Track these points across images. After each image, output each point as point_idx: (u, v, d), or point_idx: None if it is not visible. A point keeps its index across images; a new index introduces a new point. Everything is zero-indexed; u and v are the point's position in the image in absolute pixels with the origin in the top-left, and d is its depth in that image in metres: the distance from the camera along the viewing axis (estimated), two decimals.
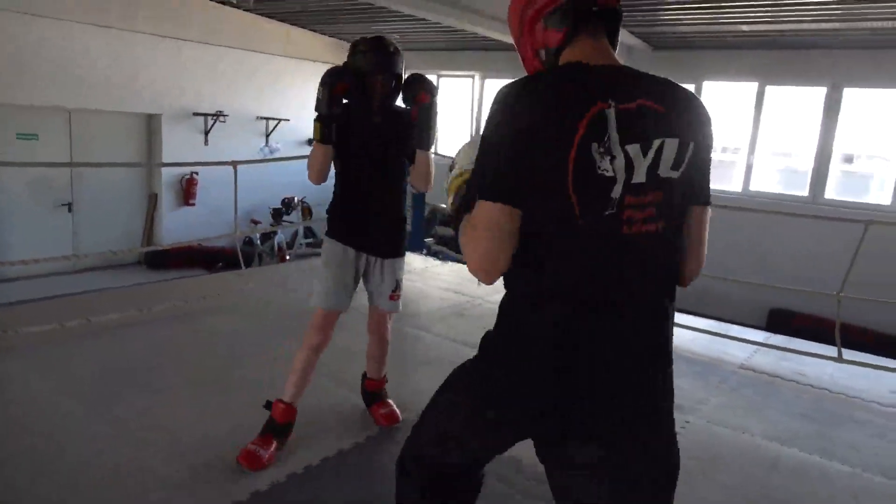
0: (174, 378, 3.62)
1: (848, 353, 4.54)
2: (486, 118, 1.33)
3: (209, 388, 3.51)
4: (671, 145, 1.29)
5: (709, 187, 1.43)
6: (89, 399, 3.29)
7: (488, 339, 1.47)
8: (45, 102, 8.36)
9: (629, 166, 1.25)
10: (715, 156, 9.66)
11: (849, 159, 9.05)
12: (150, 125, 9.79)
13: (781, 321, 8.44)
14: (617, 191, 1.25)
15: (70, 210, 9.10)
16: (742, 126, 9.13)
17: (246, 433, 2.85)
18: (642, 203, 1.27)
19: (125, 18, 8.71)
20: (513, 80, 1.32)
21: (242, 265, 5.64)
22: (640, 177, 1.26)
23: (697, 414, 3.67)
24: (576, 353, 1.29)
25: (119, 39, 8.78)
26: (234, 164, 5.19)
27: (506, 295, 1.43)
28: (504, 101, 1.30)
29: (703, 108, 1.39)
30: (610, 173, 1.24)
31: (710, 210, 1.45)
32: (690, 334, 5.01)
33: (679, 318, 5.48)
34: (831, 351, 4.56)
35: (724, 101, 9.40)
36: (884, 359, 4.67)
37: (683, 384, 4.10)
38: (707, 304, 8.51)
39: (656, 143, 1.27)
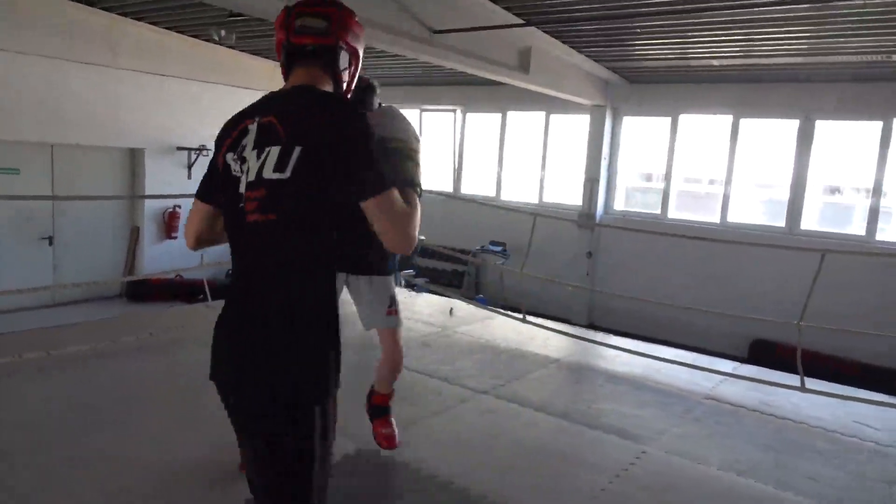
0: (139, 411, 3.59)
1: (812, 383, 4.53)
2: None
3: (174, 419, 3.48)
4: (274, 152, 1.57)
5: (369, 182, 1.57)
6: (45, 432, 3.26)
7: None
8: (27, 137, 8.43)
9: (248, 169, 1.60)
10: (697, 188, 9.86)
11: (834, 191, 9.14)
12: (134, 159, 9.86)
13: (764, 352, 8.42)
14: (241, 187, 1.61)
15: (51, 244, 9.10)
16: (719, 158, 9.24)
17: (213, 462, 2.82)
18: (252, 197, 1.59)
19: (108, 55, 8.83)
20: None
21: (209, 297, 5.63)
22: (251, 177, 1.59)
23: (655, 444, 3.64)
24: (228, 309, 1.70)
25: (102, 75, 8.89)
26: None
27: None
28: None
29: (329, 117, 1.60)
30: (238, 174, 1.62)
31: (387, 196, 1.59)
32: (658, 364, 5.00)
33: (649, 348, 5.50)
34: (795, 380, 4.55)
35: (700, 133, 9.53)
36: (847, 388, 4.66)
37: (646, 413, 4.09)
38: (689, 336, 8.51)
39: (267, 150, 1.58)
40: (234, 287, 1.70)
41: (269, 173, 1.57)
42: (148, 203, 9.86)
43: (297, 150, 1.55)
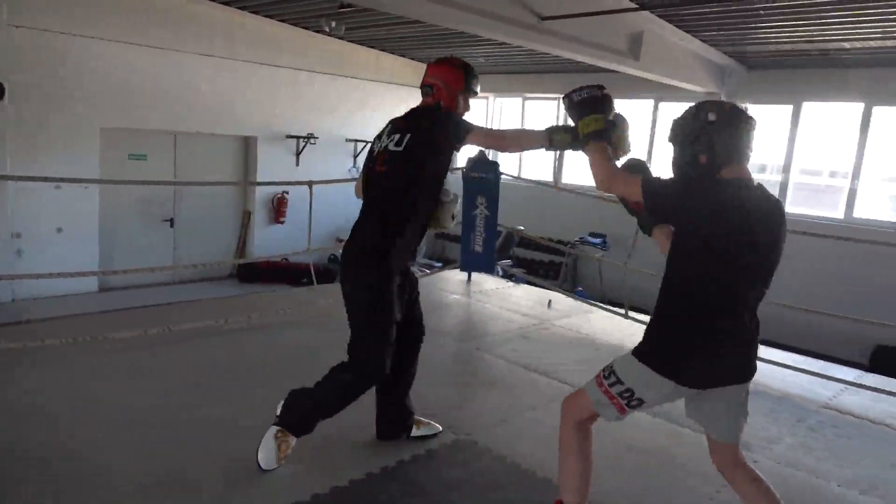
0: (245, 384, 3.78)
1: None
2: None
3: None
4: (394, 136, 2.79)
5: (453, 132, 2.80)
6: (160, 400, 3.50)
7: None
8: (154, 126, 9.06)
9: (382, 145, 2.83)
10: (814, 180, 9.15)
11: None
12: (247, 146, 10.37)
13: (888, 359, 7.74)
14: (374, 154, 2.87)
15: (172, 225, 9.76)
16: (843, 149, 8.53)
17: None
18: (380, 160, 2.82)
19: (226, 47, 9.33)
20: None
21: (315, 281, 5.83)
22: (381, 149, 2.83)
23: (767, 453, 3.42)
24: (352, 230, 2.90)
25: (220, 67, 9.40)
26: (310, 183, 5.41)
27: None
28: None
29: (427, 118, 2.84)
30: (375, 150, 2.87)
31: (475, 132, 2.84)
32: (768, 367, 4.68)
33: (762, 350, 5.16)
34: None
35: (821, 122, 8.84)
36: None
37: (757, 421, 3.84)
38: (806, 338, 7.96)
39: (393, 135, 2.80)
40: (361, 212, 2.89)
41: (392, 146, 2.78)
42: (259, 188, 10.35)
43: (407, 135, 2.77)
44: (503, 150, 3.23)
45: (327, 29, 8.85)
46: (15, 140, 7.61)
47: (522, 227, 7.86)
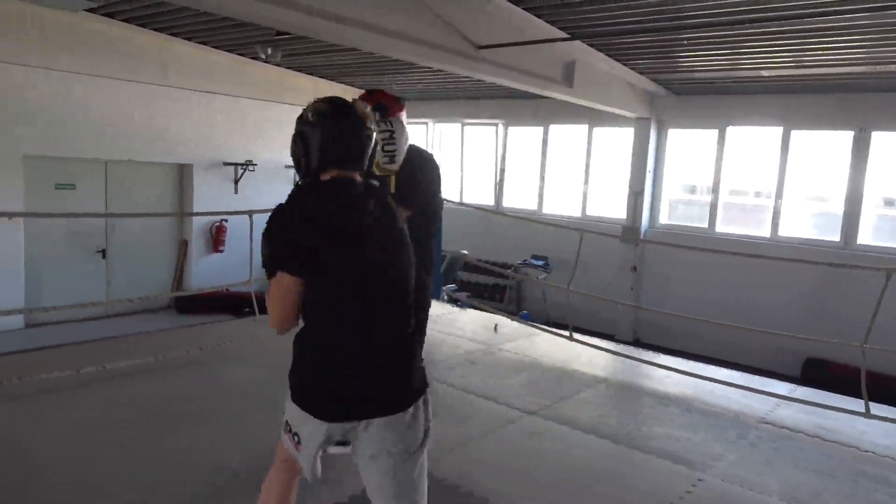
0: (186, 423, 3.64)
1: (877, 408, 4.33)
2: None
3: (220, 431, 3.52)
4: None
5: None
6: (94, 442, 3.33)
7: None
8: (83, 154, 8.73)
9: None
10: (743, 200, 9.59)
11: (890, 203, 8.82)
12: (182, 174, 10.11)
13: (817, 371, 8.13)
14: None
15: (104, 256, 9.37)
16: (767, 170, 9.00)
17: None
18: None
19: (158, 74, 9.12)
20: None
21: (257, 311, 5.70)
22: None
23: (711, 471, 3.52)
24: None
25: (153, 94, 9.17)
26: (251, 213, 5.33)
27: None
28: None
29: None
30: None
31: None
32: (711, 386, 4.85)
33: (699, 367, 5.35)
34: (859, 405, 4.36)
35: (746, 145, 9.31)
36: None
37: (698, 438, 3.97)
38: (737, 353, 8.28)
39: None
40: None
41: None
42: (196, 217, 10.08)
43: None
44: None
45: (263, 56, 8.75)
46: None
47: (466, 251, 7.92)
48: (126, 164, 9.29)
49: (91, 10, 7.44)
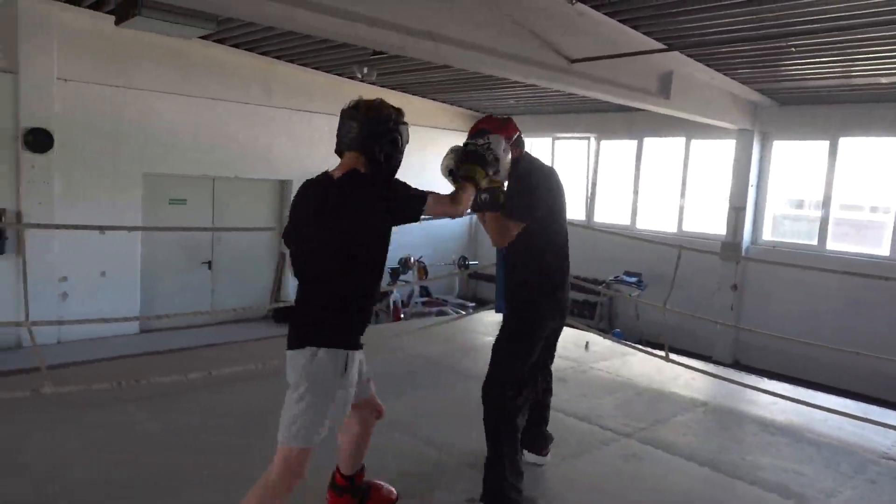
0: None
1: None
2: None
3: None
4: None
5: None
6: (196, 449, 3.51)
7: None
8: (193, 172, 9.33)
9: None
10: (859, 216, 8.95)
11: None
12: (283, 190, 10.57)
13: None
14: None
15: (210, 268, 9.94)
16: (886, 184, 8.36)
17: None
18: None
19: (262, 95, 9.64)
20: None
21: None
22: None
23: None
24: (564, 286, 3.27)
25: (257, 114, 9.69)
26: None
27: None
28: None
29: None
30: None
31: None
32: (822, 414, 4.53)
33: (808, 394, 5.01)
34: None
35: (859, 156, 8.69)
36: None
37: (809, 470, 3.71)
38: (849, 380, 7.69)
39: None
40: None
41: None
42: None
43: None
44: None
45: (359, 75, 9.06)
46: (62, 187, 7.92)
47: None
48: (232, 180, 9.84)
49: (203, 38, 7.96)
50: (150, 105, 8.64)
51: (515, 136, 3.05)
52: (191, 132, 9.06)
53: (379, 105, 2.57)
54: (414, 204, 2.49)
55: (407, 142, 2.61)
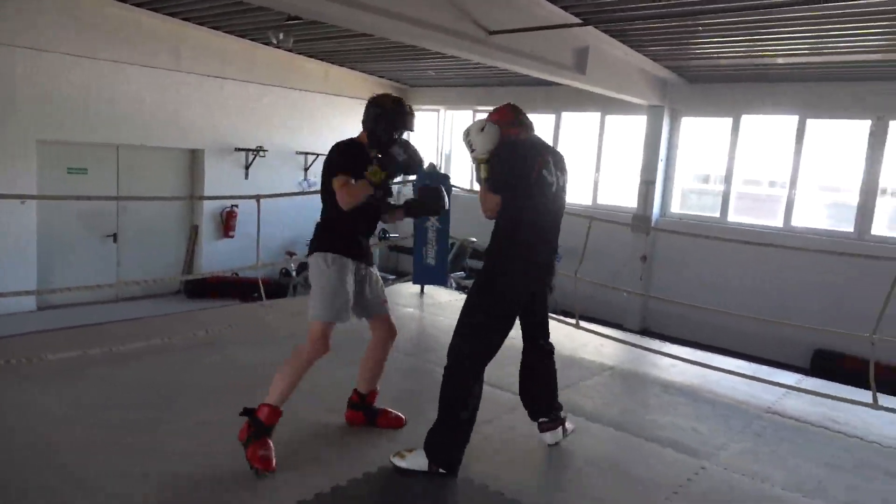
0: (188, 405, 3.67)
1: (885, 399, 4.28)
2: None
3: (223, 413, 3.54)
4: (561, 177, 3.37)
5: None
6: (101, 425, 3.36)
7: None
8: (95, 139, 8.79)
9: (555, 180, 3.28)
10: (758, 190, 9.48)
11: None
12: (194, 159, 10.15)
13: (827, 363, 8.06)
14: (553, 187, 3.31)
15: (115, 241, 9.45)
16: (783, 160, 8.89)
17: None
18: (556, 190, 3.33)
19: (171, 59, 9.16)
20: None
21: (264, 296, 5.72)
22: (557, 183, 3.32)
23: (714, 459, 3.50)
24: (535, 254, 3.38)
25: (165, 79, 9.20)
26: (258, 197, 5.33)
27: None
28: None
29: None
30: (552, 182, 3.27)
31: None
32: (717, 375, 4.82)
33: (706, 357, 5.32)
34: (867, 396, 4.31)
35: (761, 134, 9.19)
36: None
37: (703, 427, 3.94)
38: (747, 344, 8.22)
39: (558, 174, 3.33)
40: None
41: (562, 183, 3.36)
42: (206, 202, 10.13)
43: (565, 176, 3.41)
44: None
45: (275, 41, 8.74)
46: None
47: (475, 239, 7.90)
48: (138, 148, 9.34)
49: None
50: (44, 66, 8.04)
51: (509, 120, 3.30)
52: (92, 97, 8.52)
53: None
54: (331, 171, 3.19)
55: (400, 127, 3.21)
